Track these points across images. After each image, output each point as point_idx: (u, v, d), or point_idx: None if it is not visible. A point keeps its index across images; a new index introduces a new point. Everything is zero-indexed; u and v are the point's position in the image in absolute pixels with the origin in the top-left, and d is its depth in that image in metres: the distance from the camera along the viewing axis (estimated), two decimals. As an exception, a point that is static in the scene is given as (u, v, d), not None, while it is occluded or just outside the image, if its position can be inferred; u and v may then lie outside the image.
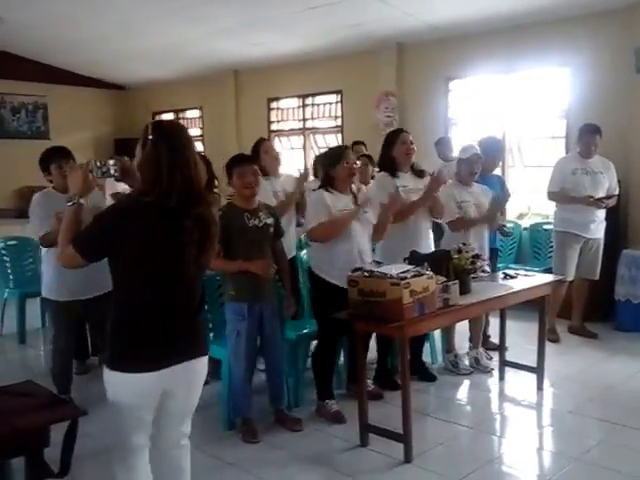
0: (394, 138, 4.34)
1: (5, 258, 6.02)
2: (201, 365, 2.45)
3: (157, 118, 11.16)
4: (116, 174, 2.69)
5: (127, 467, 2.35)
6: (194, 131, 10.43)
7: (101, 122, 11.08)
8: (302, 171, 4.99)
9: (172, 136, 2.30)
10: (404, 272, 3.25)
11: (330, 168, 3.93)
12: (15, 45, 9.34)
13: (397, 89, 7.65)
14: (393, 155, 4.30)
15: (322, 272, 3.90)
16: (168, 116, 10.98)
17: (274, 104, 9.25)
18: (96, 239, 2.25)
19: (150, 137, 2.28)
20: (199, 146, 10.31)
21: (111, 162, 2.64)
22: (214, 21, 7.33)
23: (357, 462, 3.42)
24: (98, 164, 2.59)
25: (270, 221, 3.77)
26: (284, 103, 9.16)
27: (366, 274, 3.33)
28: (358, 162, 4.11)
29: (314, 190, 4.12)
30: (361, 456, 3.48)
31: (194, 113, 10.52)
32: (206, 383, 4.30)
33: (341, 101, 8.43)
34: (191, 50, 8.53)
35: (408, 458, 3.35)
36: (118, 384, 2.28)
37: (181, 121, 10.75)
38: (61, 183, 3.98)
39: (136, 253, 2.22)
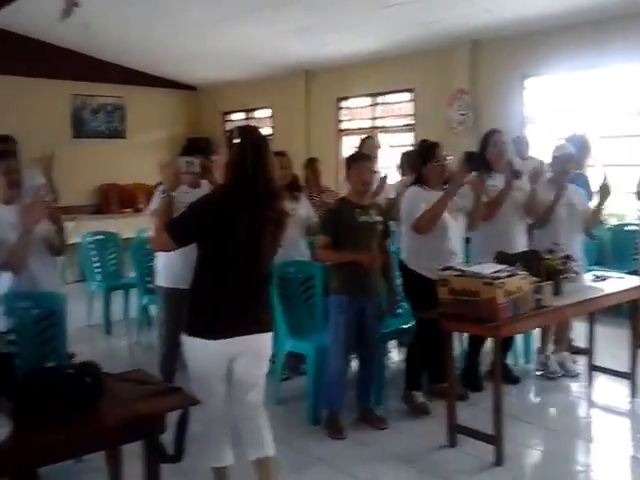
0: (487, 139, 4.33)
1: (92, 252, 6.18)
2: (265, 339, 2.72)
3: (227, 118, 11.32)
4: (198, 171, 3.15)
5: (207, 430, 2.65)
6: (264, 130, 10.49)
7: (174, 122, 11.28)
8: (382, 175, 4.95)
9: (257, 139, 2.67)
10: (497, 271, 3.16)
11: (421, 166, 3.92)
12: (97, 49, 9.61)
13: (471, 87, 7.51)
14: (487, 155, 4.28)
15: (419, 267, 3.88)
16: (238, 116, 11.11)
17: (344, 103, 9.22)
18: (188, 226, 2.57)
19: (237, 140, 2.62)
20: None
21: (196, 161, 3.00)
22: (287, 22, 7.35)
23: (446, 463, 3.34)
24: (186, 161, 2.96)
25: (379, 219, 3.77)
26: (354, 102, 9.11)
27: (457, 273, 3.26)
28: (449, 158, 4.06)
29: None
30: (450, 457, 3.39)
31: (264, 113, 10.58)
32: (286, 378, 4.40)
33: (414, 99, 8.33)
34: (263, 50, 8.59)
35: (499, 461, 3.25)
36: (194, 349, 2.60)
37: (251, 121, 10.87)
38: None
39: (221, 238, 2.55)
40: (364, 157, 3.93)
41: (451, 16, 6.71)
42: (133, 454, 2.35)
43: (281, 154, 4.68)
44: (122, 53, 9.72)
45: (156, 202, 4.12)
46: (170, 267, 4.13)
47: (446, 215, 3.82)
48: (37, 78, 9.43)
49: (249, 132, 2.74)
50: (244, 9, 7.13)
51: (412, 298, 4.00)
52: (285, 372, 4.32)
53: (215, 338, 2.56)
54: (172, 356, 4.26)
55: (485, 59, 7.44)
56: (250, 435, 2.76)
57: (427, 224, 3.80)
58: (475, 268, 3.27)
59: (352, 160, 3.84)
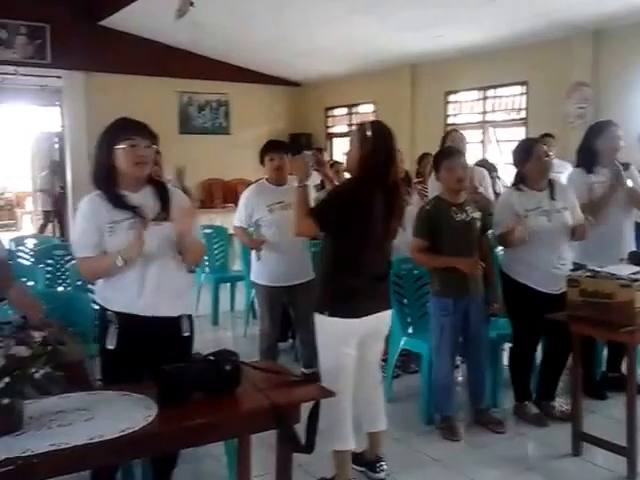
0: (599, 130, 4.05)
1: (202, 245, 6.40)
2: (388, 316, 3.10)
3: (330, 114, 11.42)
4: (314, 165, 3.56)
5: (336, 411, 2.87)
6: (367, 126, 10.53)
7: (277, 118, 11.47)
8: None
9: (386, 134, 2.94)
10: (634, 273, 3.04)
11: (520, 165, 3.76)
12: (204, 47, 9.92)
13: (592, 79, 7.23)
14: (597, 148, 4.02)
15: (517, 274, 3.75)
16: (341, 111, 11.19)
17: (452, 97, 9.10)
18: (331, 212, 2.89)
19: (369, 134, 2.89)
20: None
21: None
22: (397, 17, 7.33)
23: (572, 472, 3.25)
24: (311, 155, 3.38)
25: (477, 215, 3.68)
26: (462, 96, 8.98)
27: (589, 274, 3.16)
28: (551, 153, 3.91)
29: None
30: (576, 466, 3.29)
31: (367, 108, 10.60)
32: (396, 376, 4.40)
33: (526, 92, 8.12)
34: (368, 45, 8.60)
35: (632, 474, 3.11)
36: (330, 328, 2.93)
37: (354, 116, 10.93)
38: (273, 175, 4.19)
39: (358, 225, 2.86)
40: (454, 153, 3.78)
41: (571, 5, 6.48)
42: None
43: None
44: (228, 51, 9.99)
45: (239, 217, 4.33)
46: (265, 265, 4.23)
47: (542, 223, 3.63)
48: (147, 76, 9.83)
49: (381, 127, 2.95)
50: (352, 6, 7.17)
51: (510, 305, 3.85)
52: (395, 370, 4.33)
53: (355, 316, 2.90)
54: (272, 351, 4.38)
55: (608, 50, 7.13)
56: (369, 411, 3.17)
57: (506, 244, 3.72)
58: (610, 269, 3.15)
59: (442, 157, 3.74)
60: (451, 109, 9.13)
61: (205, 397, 2.13)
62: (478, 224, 3.69)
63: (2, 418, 1.86)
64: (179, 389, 2.11)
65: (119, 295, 2.67)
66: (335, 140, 11.35)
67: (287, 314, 4.61)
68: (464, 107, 9.02)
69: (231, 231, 7.23)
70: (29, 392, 1.88)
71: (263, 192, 4.24)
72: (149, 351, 2.59)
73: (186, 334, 2.78)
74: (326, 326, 2.97)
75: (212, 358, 2.20)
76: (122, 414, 2.02)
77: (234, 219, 4.43)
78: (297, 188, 3.05)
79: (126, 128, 2.69)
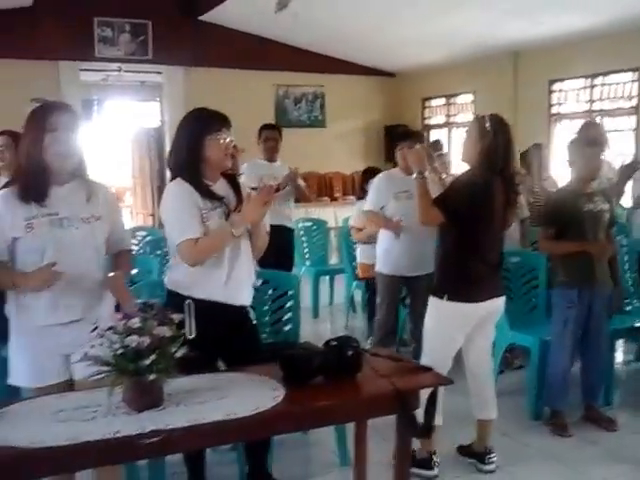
0: None
1: (302, 238, 6.60)
2: (502, 302, 3.29)
3: (427, 104, 11.39)
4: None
5: None
6: (465, 116, 10.45)
7: (371, 109, 11.53)
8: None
9: (506, 128, 3.11)
10: None
11: None
12: (301, 39, 10.10)
13: None
14: None
15: None
16: (438, 102, 11.13)
17: (556, 86, 8.90)
18: (456, 202, 3.08)
19: (488, 127, 3.06)
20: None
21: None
22: (500, 3, 7.25)
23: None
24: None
25: (606, 207, 3.68)
26: (568, 84, 8.77)
27: None
28: None
29: None
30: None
31: (466, 98, 10.51)
32: (501, 372, 4.42)
33: (638, 79, 7.85)
34: (468, 33, 8.52)
35: None
36: (446, 311, 3.14)
37: (451, 106, 10.87)
38: (404, 165, 4.31)
39: (479, 214, 3.06)
40: (597, 142, 3.83)
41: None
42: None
43: None
44: (324, 42, 10.14)
45: (371, 202, 4.45)
46: (390, 255, 4.36)
47: None
48: (244, 70, 10.12)
49: (499, 120, 3.12)
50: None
51: None
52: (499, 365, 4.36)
53: (474, 301, 3.12)
54: (388, 340, 4.49)
55: None
56: (481, 397, 3.31)
57: None
58: None
59: (585, 145, 3.76)
60: (555, 98, 8.93)
61: (328, 381, 2.26)
62: (606, 216, 3.68)
63: (147, 394, 2.06)
64: (304, 372, 2.25)
65: (205, 282, 2.74)
66: (432, 131, 11.31)
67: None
68: (569, 96, 8.80)
69: (330, 224, 7.45)
70: (172, 370, 2.06)
71: (392, 180, 4.37)
72: (222, 337, 2.73)
73: (254, 322, 2.94)
74: (442, 310, 3.17)
75: (334, 343, 2.33)
76: (252, 394, 2.19)
77: (364, 205, 4.59)
78: (417, 179, 3.26)
79: (216, 120, 2.78)
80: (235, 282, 2.78)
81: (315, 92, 11.17)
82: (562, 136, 8.43)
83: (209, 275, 2.74)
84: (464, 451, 3.38)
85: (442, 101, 11.04)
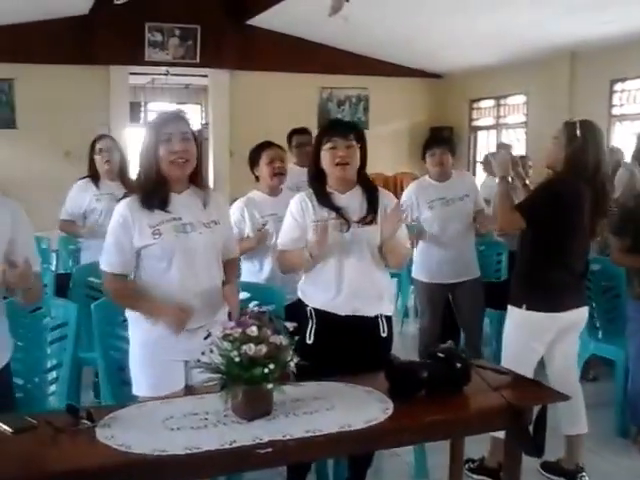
0: None
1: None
2: (585, 312, 3.24)
3: (474, 106, 11.31)
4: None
5: None
6: (517, 117, 10.36)
7: (417, 111, 11.51)
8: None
9: (597, 134, 3.07)
10: None
11: None
12: (346, 42, 10.13)
13: None
14: None
15: None
16: (487, 103, 11.06)
17: (618, 86, 8.75)
18: (537, 209, 3.03)
19: (578, 133, 3.02)
20: (521, 134, 10.23)
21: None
22: (559, 2, 7.17)
23: None
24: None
25: None
26: (631, 84, 8.61)
27: None
28: None
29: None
30: None
31: (517, 99, 10.41)
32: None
33: None
34: (521, 33, 8.43)
35: None
36: (525, 321, 3.09)
37: (501, 107, 10.77)
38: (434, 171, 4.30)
39: (563, 221, 3.00)
40: None
41: None
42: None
43: None
44: (371, 44, 10.14)
45: None
46: (428, 262, 4.31)
47: None
48: (288, 73, 10.18)
49: (590, 126, 3.08)
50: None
51: None
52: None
53: (555, 310, 3.06)
54: (431, 349, 4.44)
55: None
56: (568, 410, 3.16)
57: None
58: None
59: None
60: (617, 99, 8.78)
61: (435, 394, 2.24)
62: None
63: (259, 403, 2.06)
64: (412, 384, 2.24)
65: (318, 292, 2.85)
66: (480, 133, 11.23)
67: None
68: (633, 96, 8.62)
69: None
70: (286, 379, 2.06)
71: (423, 189, 4.32)
72: (346, 348, 2.74)
73: (384, 335, 2.90)
74: (520, 320, 3.11)
75: (442, 355, 2.31)
76: (361, 406, 2.18)
77: None
78: (500, 182, 3.21)
79: (329, 129, 2.89)
80: (351, 293, 2.80)
81: (359, 95, 11.18)
82: (623, 138, 8.29)
83: (320, 286, 2.84)
84: (550, 468, 3.29)
85: (491, 102, 10.96)
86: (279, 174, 3.65)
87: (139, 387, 2.59)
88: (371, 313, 2.85)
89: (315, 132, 5.28)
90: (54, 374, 2.94)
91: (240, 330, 2.03)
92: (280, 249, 2.93)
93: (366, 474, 3.03)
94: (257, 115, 9.82)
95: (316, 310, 2.83)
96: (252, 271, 3.65)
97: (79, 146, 8.25)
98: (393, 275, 6.22)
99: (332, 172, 2.81)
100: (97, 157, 4.43)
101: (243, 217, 3.59)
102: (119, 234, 2.52)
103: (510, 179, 3.39)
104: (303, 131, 5.60)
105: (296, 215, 2.87)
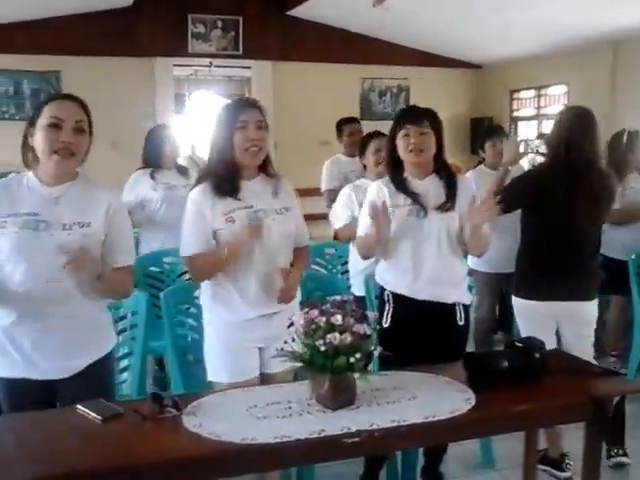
0: None
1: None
2: (589, 307, 3.08)
3: (515, 96, 11.15)
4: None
5: None
6: (557, 108, 10.17)
7: (456, 102, 11.35)
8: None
9: (571, 114, 3.10)
10: None
11: None
12: (387, 32, 10.03)
13: None
14: None
15: None
16: (527, 93, 10.88)
17: (664, 76, 8.55)
18: (510, 194, 3.06)
19: (560, 118, 3.10)
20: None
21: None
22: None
23: None
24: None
25: None
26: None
27: None
28: None
29: None
30: None
31: (558, 89, 10.23)
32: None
33: None
34: (562, 22, 8.26)
35: None
36: (522, 311, 3.09)
37: (542, 98, 10.60)
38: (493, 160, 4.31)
39: (538, 210, 3.01)
40: None
41: None
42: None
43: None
44: (412, 35, 10.04)
45: None
46: (489, 252, 4.25)
47: None
48: (330, 63, 10.11)
49: (568, 109, 3.26)
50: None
51: None
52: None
53: (540, 299, 3.02)
54: (489, 338, 4.41)
55: None
56: None
57: None
58: None
59: None
60: (662, 89, 8.59)
61: (514, 384, 2.20)
62: None
63: (343, 392, 2.04)
64: (491, 374, 2.20)
65: (396, 277, 2.85)
66: (520, 124, 11.07)
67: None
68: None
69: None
70: (372, 368, 2.04)
71: (482, 178, 4.27)
72: (422, 334, 2.72)
73: (461, 323, 2.88)
74: (519, 309, 3.15)
75: (520, 345, 2.27)
76: (442, 396, 2.15)
77: None
78: (502, 169, 3.49)
79: (404, 114, 2.92)
80: (430, 280, 2.78)
81: (400, 85, 11.08)
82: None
83: (399, 272, 2.84)
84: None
85: (532, 93, 10.79)
86: (382, 163, 3.60)
87: (215, 373, 2.59)
88: (449, 300, 2.85)
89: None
90: (125, 362, 2.96)
91: (324, 319, 2.01)
92: (359, 235, 2.95)
93: (442, 460, 3.02)
94: (300, 106, 9.79)
95: (394, 294, 2.83)
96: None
97: (126, 138, 8.41)
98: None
99: (407, 159, 2.82)
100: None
101: (352, 200, 3.66)
102: (196, 219, 2.52)
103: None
104: (353, 120, 5.57)
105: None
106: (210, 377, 2.61)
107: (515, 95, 11.10)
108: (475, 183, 4.20)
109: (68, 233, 2.20)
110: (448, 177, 2.86)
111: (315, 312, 2.04)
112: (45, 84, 9.17)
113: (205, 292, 2.63)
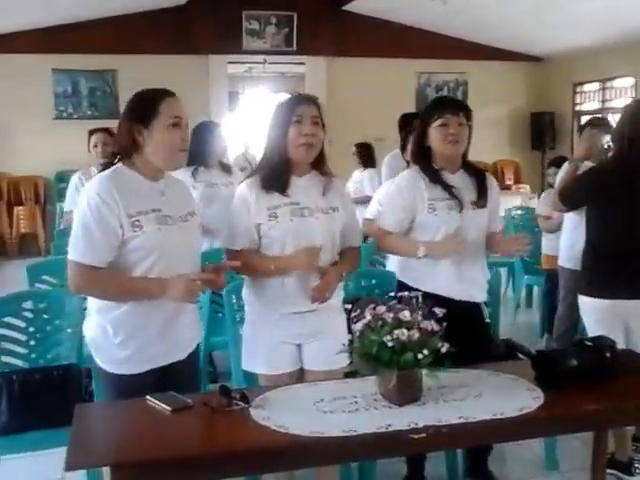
0: None
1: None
2: None
3: (578, 89, 10.96)
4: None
5: None
6: (624, 101, 9.96)
7: (516, 96, 11.25)
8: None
9: (632, 108, 3.04)
10: None
11: None
12: (445, 26, 10.00)
13: None
14: None
15: None
16: (592, 86, 10.69)
17: None
18: (573, 190, 3.16)
19: (626, 113, 3.01)
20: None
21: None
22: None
23: None
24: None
25: None
26: None
27: None
28: None
29: None
30: None
31: (625, 82, 10.02)
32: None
33: None
34: (628, 12, 8.10)
35: None
36: (587, 308, 3.06)
37: (607, 91, 10.40)
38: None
39: (597, 204, 3.00)
40: None
41: None
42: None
43: None
44: (469, 28, 9.97)
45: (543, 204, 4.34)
46: (575, 248, 4.21)
47: None
48: (385, 58, 10.12)
49: (632, 104, 3.14)
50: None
51: None
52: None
53: (608, 298, 2.96)
54: (567, 336, 4.36)
55: None
56: None
57: None
58: None
59: None
60: None
61: (583, 383, 2.20)
62: None
63: (413, 388, 2.09)
64: (561, 373, 2.21)
65: (434, 277, 2.81)
66: (584, 118, 10.88)
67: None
68: None
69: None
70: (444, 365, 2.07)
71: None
72: (454, 334, 2.71)
73: (488, 320, 2.92)
74: (583, 307, 3.10)
75: (590, 344, 2.28)
76: (509, 393, 2.18)
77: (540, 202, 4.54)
78: (572, 165, 3.50)
79: (440, 105, 2.88)
80: (468, 279, 2.82)
81: (457, 79, 11.03)
82: None
83: (436, 271, 2.81)
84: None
85: (596, 86, 10.59)
86: None
87: (250, 364, 2.67)
88: (478, 299, 2.88)
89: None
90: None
91: (392, 315, 2.06)
92: (384, 228, 2.88)
93: (487, 459, 3.02)
94: (354, 102, 9.83)
95: (426, 294, 2.69)
96: None
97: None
98: (504, 264, 6.19)
99: (441, 150, 2.79)
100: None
101: None
102: (241, 213, 2.56)
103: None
104: (417, 115, 5.58)
105: (405, 193, 2.83)
106: (244, 366, 2.70)
107: (578, 88, 10.92)
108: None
109: (187, 225, 2.38)
110: (478, 173, 2.88)
111: (382, 308, 2.09)
112: (102, 83, 9.48)
113: (246, 286, 2.70)
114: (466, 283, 2.82)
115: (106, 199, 2.22)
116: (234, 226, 2.59)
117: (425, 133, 2.82)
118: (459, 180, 2.83)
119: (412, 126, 5.18)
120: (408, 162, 3.83)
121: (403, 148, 4.00)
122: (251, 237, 2.56)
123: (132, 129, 2.31)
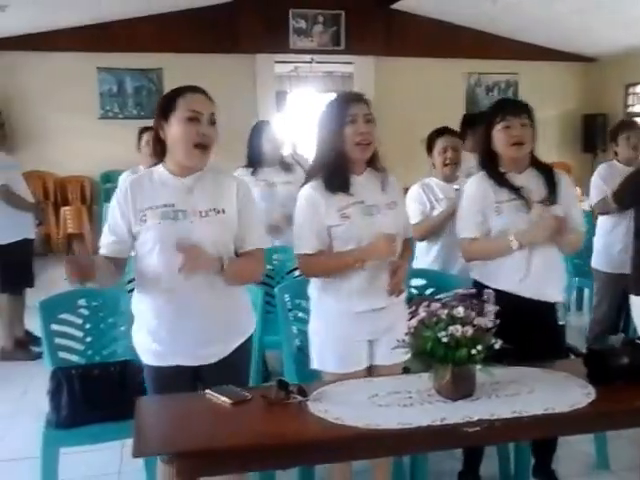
0: None
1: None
2: None
3: (631, 91, 10.86)
4: None
5: None
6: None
7: (567, 97, 11.20)
8: None
9: None
10: None
11: None
12: (496, 25, 10.01)
13: None
14: None
15: None
16: (646, 88, 10.61)
17: None
18: (623, 190, 3.43)
19: None
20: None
21: None
22: None
23: None
24: None
25: None
26: None
27: None
28: None
29: None
30: None
31: (681, 82, 9.93)
32: None
33: None
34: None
35: None
36: (636, 306, 3.14)
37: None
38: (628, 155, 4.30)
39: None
40: None
41: None
42: None
43: None
44: (520, 28, 9.95)
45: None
46: (609, 251, 4.28)
47: None
48: (434, 58, 10.18)
49: None
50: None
51: None
52: None
53: None
54: (604, 338, 4.39)
55: None
56: None
57: None
58: None
59: None
60: None
61: (636, 381, 2.27)
62: None
63: (467, 383, 2.20)
64: (613, 371, 2.29)
65: (505, 274, 2.87)
66: (637, 119, 10.78)
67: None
68: None
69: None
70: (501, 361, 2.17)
71: (611, 172, 4.34)
72: (524, 332, 2.71)
73: (562, 323, 2.96)
74: (634, 308, 3.16)
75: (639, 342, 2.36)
76: (561, 390, 2.27)
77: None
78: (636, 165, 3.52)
79: (502, 108, 2.92)
80: (539, 277, 2.86)
81: (508, 80, 11.02)
82: None
83: (507, 268, 2.87)
84: None
85: (651, 87, 10.50)
86: (450, 164, 3.68)
87: (322, 363, 2.75)
88: (551, 299, 2.92)
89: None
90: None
91: (446, 311, 2.17)
92: (469, 237, 2.93)
93: (552, 459, 3.10)
94: (403, 102, 9.88)
95: (497, 291, 2.77)
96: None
97: (228, 136, 8.65)
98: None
99: (506, 152, 2.86)
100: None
101: (423, 199, 3.68)
102: (311, 217, 2.64)
103: None
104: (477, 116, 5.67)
105: (478, 198, 2.91)
106: (316, 365, 2.78)
107: (631, 89, 10.82)
108: (604, 178, 4.30)
109: (207, 220, 2.42)
110: (546, 170, 2.93)
111: (437, 305, 2.19)
112: (147, 82, 9.68)
113: (315, 283, 2.78)
114: (536, 280, 2.85)
115: (120, 199, 2.44)
116: (304, 230, 2.66)
117: (489, 137, 2.88)
118: (526, 180, 2.89)
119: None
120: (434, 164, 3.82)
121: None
122: (323, 240, 2.65)
123: (156, 126, 2.45)
